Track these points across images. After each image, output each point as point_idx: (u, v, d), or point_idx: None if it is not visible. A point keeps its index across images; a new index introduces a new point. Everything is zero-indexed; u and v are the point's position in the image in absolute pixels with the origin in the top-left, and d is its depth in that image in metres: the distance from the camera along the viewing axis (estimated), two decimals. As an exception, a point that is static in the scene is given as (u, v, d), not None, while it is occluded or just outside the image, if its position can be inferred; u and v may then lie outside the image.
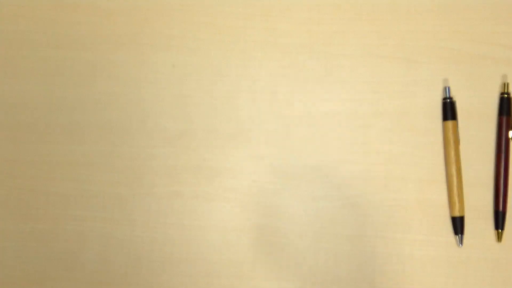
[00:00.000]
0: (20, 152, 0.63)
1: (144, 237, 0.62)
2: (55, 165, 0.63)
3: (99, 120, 0.63)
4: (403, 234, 0.61)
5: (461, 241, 0.60)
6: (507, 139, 0.61)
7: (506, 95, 0.61)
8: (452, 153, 0.61)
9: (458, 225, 0.60)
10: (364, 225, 0.61)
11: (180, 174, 0.62)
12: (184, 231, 0.62)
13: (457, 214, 0.60)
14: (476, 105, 0.62)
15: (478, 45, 0.62)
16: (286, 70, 0.63)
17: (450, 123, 0.61)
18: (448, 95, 0.61)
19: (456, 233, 0.61)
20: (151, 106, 0.63)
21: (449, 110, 0.61)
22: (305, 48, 0.63)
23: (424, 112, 0.62)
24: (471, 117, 0.62)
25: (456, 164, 0.60)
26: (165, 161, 0.62)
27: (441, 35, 0.62)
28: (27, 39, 0.64)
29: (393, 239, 0.61)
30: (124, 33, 0.63)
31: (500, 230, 0.60)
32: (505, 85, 0.61)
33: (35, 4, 0.64)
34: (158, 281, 0.62)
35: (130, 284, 0.61)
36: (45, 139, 0.63)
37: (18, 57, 0.63)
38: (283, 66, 0.63)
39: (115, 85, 0.63)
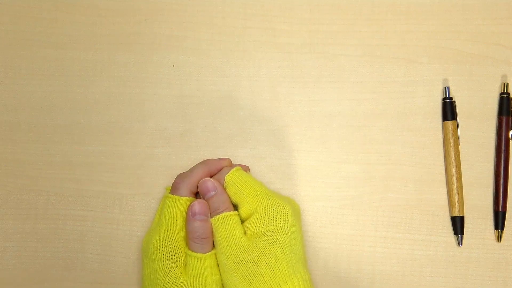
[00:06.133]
0: (20, 152, 0.63)
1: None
2: (55, 165, 0.63)
3: (99, 120, 0.63)
4: (403, 234, 0.61)
5: (461, 241, 0.60)
6: (507, 139, 0.61)
7: (506, 95, 0.61)
8: (452, 153, 0.61)
9: (458, 225, 0.60)
10: (364, 225, 0.61)
11: (180, 174, 0.62)
12: (184, 231, 0.62)
13: (457, 214, 0.60)
14: (476, 105, 0.62)
15: (478, 45, 0.62)
16: (286, 70, 0.63)
17: (450, 123, 0.61)
18: (448, 95, 0.61)
19: (456, 233, 0.61)
20: (151, 106, 0.63)
21: (449, 110, 0.61)
22: (305, 48, 0.63)
23: (424, 112, 0.62)
24: (471, 117, 0.62)
25: (456, 164, 0.60)
26: (165, 161, 0.62)
27: (441, 35, 0.62)
28: (27, 39, 0.63)
29: (393, 239, 0.61)
30: (124, 33, 0.63)
31: (500, 230, 0.60)
32: (504, 85, 0.61)
33: (35, 4, 0.64)
34: (158, 281, 0.62)
35: (130, 284, 0.61)
36: (45, 139, 0.63)
37: (18, 57, 0.63)
38: (283, 66, 0.63)
39: (115, 85, 0.63)
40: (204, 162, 0.58)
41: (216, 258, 0.56)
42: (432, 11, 0.62)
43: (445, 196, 0.61)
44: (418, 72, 0.62)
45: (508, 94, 0.61)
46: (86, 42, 0.63)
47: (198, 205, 0.55)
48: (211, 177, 0.57)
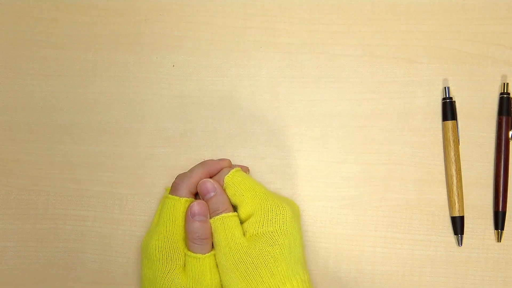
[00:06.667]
0: (20, 152, 0.63)
1: (144, 237, 0.62)
2: (55, 165, 0.63)
3: (99, 120, 0.63)
4: (403, 234, 0.61)
5: (461, 241, 0.60)
6: (507, 139, 0.61)
7: (506, 95, 0.61)
8: (452, 153, 0.61)
9: (458, 225, 0.60)
10: (364, 225, 0.61)
11: (180, 174, 0.62)
12: (184, 231, 0.62)
13: (457, 214, 0.60)
14: (476, 105, 0.62)
15: (478, 45, 0.62)
16: (286, 70, 0.63)
17: (450, 123, 0.61)
18: (448, 95, 0.61)
19: (456, 233, 0.61)
20: (151, 106, 0.63)
21: (449, 110, 0.61)
22: (305, 48, 0.63)
23: (424, 112, 0.62)
24: (471, 117, 0.62)
25: (456, 164, 0.60)
26: (165, 161, 0.62)
27: (441, 35, 0.62)
28: (27, 39, 0.64)
29: (393, 239, 0.61)
30: (124, 33, 0.63)
31: (500, 230, 0.60)
32: (504, 85, 0.61)
33: (35, 4, 0.64)
34: (158, 281, 0.62)
35: (130, 284, 0.61)
36: (45, 139, 0.63)
37: (18, 57, 0.63)
38: (283, 66, 0.63)
39: (115, 85, 0.63)
40: (203, 163, 0.58)
41: (215, 259, 0.56)
42: (432, 11, 0.62)
43: (445, 196, 0.61)
44: (418, 72, 0.62)
45: (508, 94, 0.61)
46: (86, 42, 0.63)
47: (197, 205, 0.55)
48: (210, 178, 0.57)
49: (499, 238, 0.61)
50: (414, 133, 0.62)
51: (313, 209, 0.62)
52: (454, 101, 0.61)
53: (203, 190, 0.56)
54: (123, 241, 0.62)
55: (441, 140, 0.62)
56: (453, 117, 0.61)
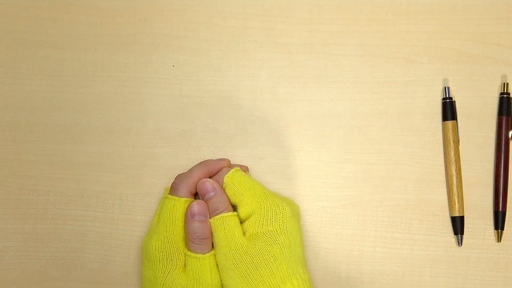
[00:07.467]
0: (20, 152, 0.63)
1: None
2: (55, 165, 0.63)
3: (99, 120, 0.63)
4: (403, 234, 0.61)
5: (461, 241, 0.61)
6: (507, 139, 0.61)
7: (506, 95, 0.61)
8: (452, 153, 0.61)
9: (458, 225, 0.60)
10: (364, 225, 0.61)
11: (180, 174, 0.62)
12: (184, 231, 0.62)
13: (457, 214, 0.60)
14: (476, 105, 0.62)
15: (478, 45, 0.62)
16: (286, 70, 0.63)
17: (450, 123, 0.61)
18: (448, 95, 0.61)
19: (456, 233, 0.61)
20: (151, 106, 0.63)
21: (449, 110, 0.61)
22: (305, 48, 0.63)
23: (424, 112, 0.62)
24: (471, 117, 0.62)
25: (456, 164, 0.60)
26: (165, 161, 0.62)
27: (441, 35, 0.62)
28: (27, 39, 0.64)
29: (393, 239, 0.61)
30: (124, 33, 0.63)
31: (500, 230, 0.60)
32: (504, 85, 0.61)
33: (35, 4, 0.64)
34: (158, 281, 0.62)
35: (130, 284, 0.61)
36: (45, 139, 0.63)
37: (18, 57, 0.63)
38: (283, 66, 0.63)
39: (115, 85, 0.63)
40: (203, 163, 0.58)
41: (216, 259, 0.56)
42: (432, 11, 0.62)
43: (445, 196, 0.61)
44: (418, 72, 0.62)
45: (508, 94, 0.61)
46: (86, 42, 0.63)
47: (197, 205, 0.55)
48: (210, 177, 0.57)
49: (499, 238, 0.61)
50: (414, 133, 0.62)
51: (313, 209, 0.62)
52: (454, 101, 0.61)
53: (203, 190, 0.56)
54: (123, 241, 0.62)
55: (441, 140, 0.62)
56: (453, 117, 0.61)
